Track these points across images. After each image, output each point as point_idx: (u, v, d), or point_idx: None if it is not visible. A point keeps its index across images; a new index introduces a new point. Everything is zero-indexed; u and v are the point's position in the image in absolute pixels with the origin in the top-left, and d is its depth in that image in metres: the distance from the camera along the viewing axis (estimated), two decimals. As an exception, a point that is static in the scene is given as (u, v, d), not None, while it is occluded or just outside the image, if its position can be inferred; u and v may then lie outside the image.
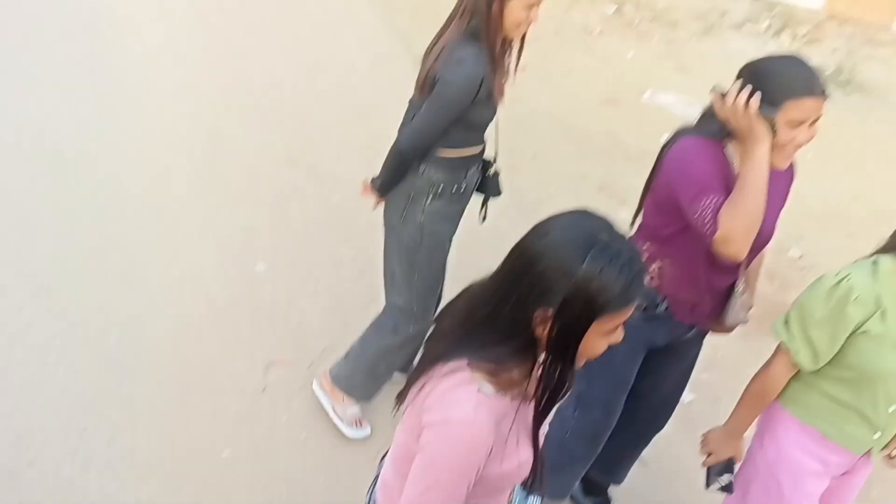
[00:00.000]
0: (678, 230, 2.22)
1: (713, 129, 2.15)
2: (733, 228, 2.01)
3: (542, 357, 1.49)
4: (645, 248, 2.32)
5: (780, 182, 2.24)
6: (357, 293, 3.82)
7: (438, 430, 1.46)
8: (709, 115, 2.18)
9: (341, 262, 4.01)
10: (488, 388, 1.46)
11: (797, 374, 2.16)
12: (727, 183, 2.10)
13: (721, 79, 2.18)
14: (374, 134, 4.93)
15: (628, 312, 1.44)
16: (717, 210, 2.03)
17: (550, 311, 1.41)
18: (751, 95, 2.03)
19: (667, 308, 2.35)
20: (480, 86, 2.44)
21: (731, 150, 2.16)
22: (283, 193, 4.41)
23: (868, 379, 2.04)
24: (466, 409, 1.44)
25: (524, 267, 1.44)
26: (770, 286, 4.27)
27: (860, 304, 1.97)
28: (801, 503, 2.22)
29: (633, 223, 2.41)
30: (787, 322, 2.11)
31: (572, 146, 5.24)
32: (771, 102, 2.02)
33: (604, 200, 4.66)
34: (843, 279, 2.00)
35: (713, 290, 2.32)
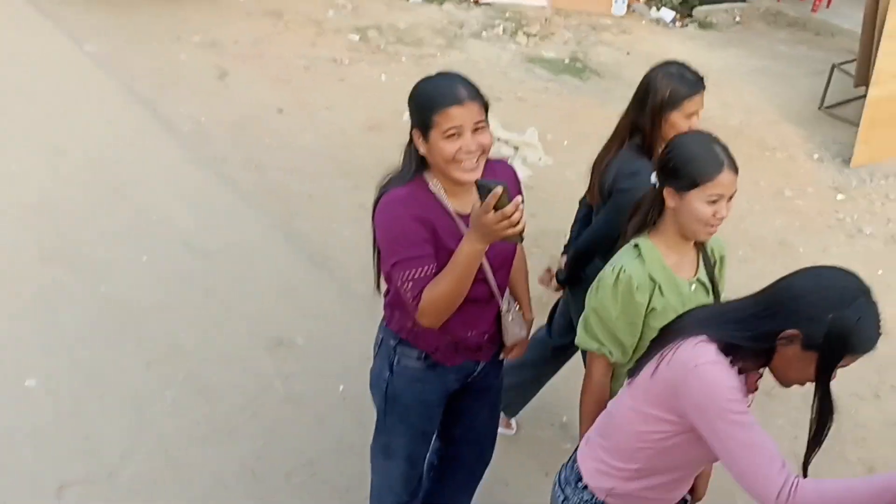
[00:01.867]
0: None
1: (414, 165, 2.06)
2: (433, 308, 1.97)
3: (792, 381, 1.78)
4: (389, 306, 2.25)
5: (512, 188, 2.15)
6: (148, 384, 3.45)
7: (696, 375, 1.70)
8: (407, 153, 2.08)
9: (125, 353, 3.61)
10: (722, 354, 1.73)
11: (614, 373, 2.22)
12: (435, 227, 2.01)
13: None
14: (134, 209, 4.57)
15: (856, 359, 1.70)
16: (417, 283, 1.97)
17: (798, 334, 1.68)
18: (413, 126, 1.99)
19: (429, 358, 2.25)
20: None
21: (435, 182, 2.06)
22: (43, 295, 3.92)
23: None
24: (710, 355, 1.72)
25: (790, 293, 1.71)
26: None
27: (642, 290, 2.09)
28: None
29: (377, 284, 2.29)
30: (587, 330, 2.17)
31: (346, 179, 5.11)
32: (424, 124, 1.97)
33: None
34: (619, 273, 2.08)
35: (469, 329, 2.23)
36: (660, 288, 2.11)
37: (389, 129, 5.58)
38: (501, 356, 2.42)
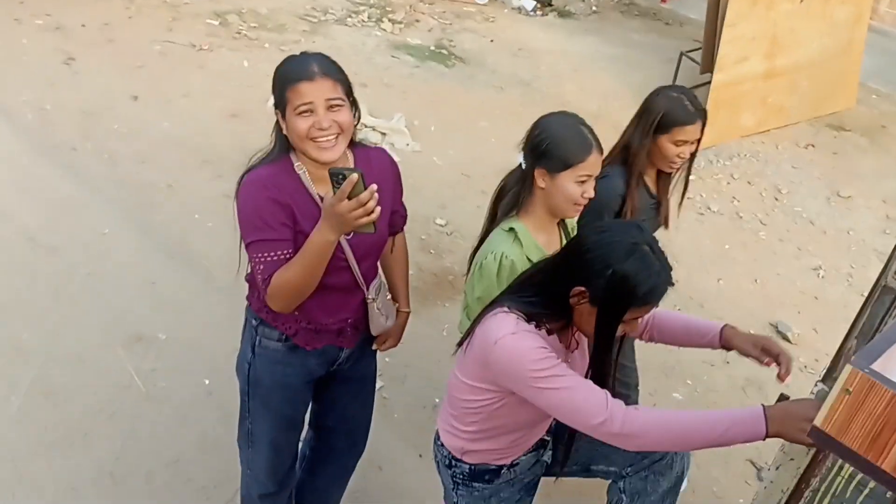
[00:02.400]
0: None
1: (279, 146, 2.00)
2: (281, 293, 1.94)
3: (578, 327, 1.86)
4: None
5: (386, 184, 2.11)
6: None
7: (499, 349, 1.77)
8: (277, 128, 2.02)
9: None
10: (524, 321, 1.80)
11: None
12: (294, 210, 1.96)
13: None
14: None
15: (647, 311, 1.77)
16: (268, 266, 1.93)
17: (585, 291, 1.74)
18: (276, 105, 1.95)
19: (289, 340, 2.18)
20: (623, 202, 2.67)
21: (300, 165, 2.01)
22: None
23: None
24: (509, 327, 1.78)
25: (578, 251, 1.77)
26: (427, 256, 4.36)
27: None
28: None
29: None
30: (469, 316, 2.19)
31: (207, 168, 4.90)
32: (280, 102, 1.93)
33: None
34: (501, 259, 2.12)
35: (329, 315, 2.17)
36: None
37: (252, 116, 5.39)
38: (375, 347, 2.37)
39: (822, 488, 1.73)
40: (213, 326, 3.63)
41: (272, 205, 1.94)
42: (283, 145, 1.99)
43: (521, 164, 2.19)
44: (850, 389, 0.99)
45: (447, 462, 2.10)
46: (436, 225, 4.67)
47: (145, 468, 2.98)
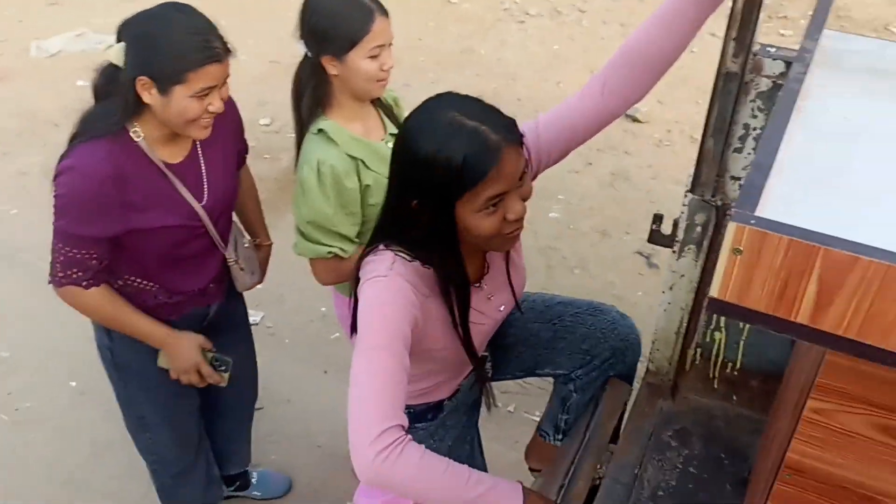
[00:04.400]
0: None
1: (110, 119, 1.71)
2: (76, 304, 1.84)
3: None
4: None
5: (231, 127, 1.95)
6: None
7: (361, 292, 1.42)
8: (103, 86, 1.73)
9: None
10: (405, 255, 1.43)
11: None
12: (129, 180, 1.73)
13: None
14: None
15: (494, 185, 1.31)
16: (69, 262, 1.77)
17: (415, 202, 1.37)
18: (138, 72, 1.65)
19: (149, 314, 1.95)
20: None
21: (142, 133, 1.74)
22: None
23: None
24: (382, 268, 1.41)
25: (395, 162, 1.41)
26: (263, 163, 3.98)
27: (347, 174, 1.88)
28: None
29: None
30: (308, 239, 1.93)
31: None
32: (168, 80, 1.65)
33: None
34: (318, 167, 1.84)
35: (190, 283, 1.97)
36: (363, 162, 1.91)
37: (22, 72, 4.68)
38: (240, 289, 2.16)
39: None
40: (59, 324, 3.22)
41: (98, 196, 1.71)
42: (129, 116, 1.72)
43: (306, 54, 1.86)
44: (741, 248, 0.80)
45: None
46: (261, 126, 4.26)
47: (39, 496, 2.68)
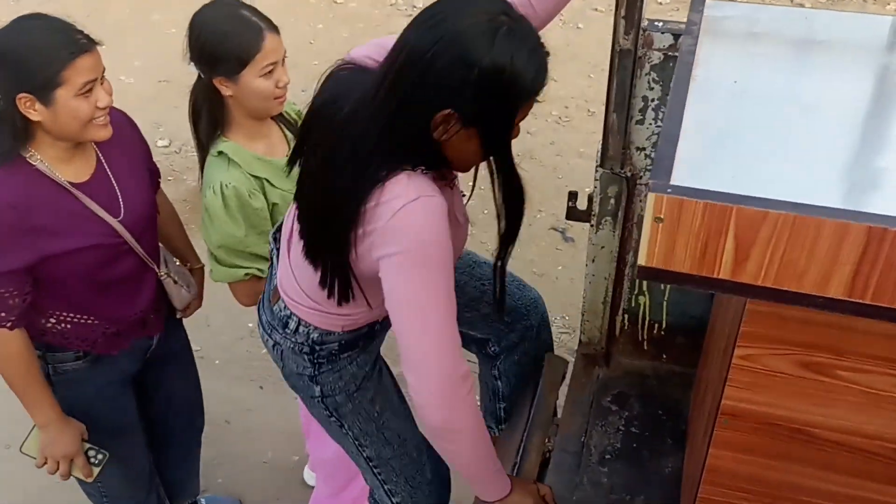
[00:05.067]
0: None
1: (12, 142, 1.65)
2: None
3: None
4: None
5: (133, 146, 1.90)
6: None
7: (404, 213, 1.24)
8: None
9: None
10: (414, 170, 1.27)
11: None
12: (35, 209, 1.66)
13: None
14: None
15: (531, 104, 1.24)
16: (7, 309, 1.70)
17: (453, 112, 1.20)
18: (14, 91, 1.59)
19: (89, 355, 1.89)
20: None
21: (39, 157, 1.68)
22: None
23: None
24: (411, 192, 1.24)
25: (418, 67, 1.19)
26: (169, 186, 3.85)
27: (252, 194, 1.84)
28: None
29: None
30: (221, 263, 1.89)
31: None
32: (46, 87, 1.59)
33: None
34: (222, 190, 1.80)
35: (128, 309, 1.91)
36: (268, 181, 1.87)
37: None
38: (179, 315, 2.10)
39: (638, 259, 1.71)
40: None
41: (7, 229, 1.64)
42: (21, 141, 1.65)
43: (199, 76, 1.83)
44: (661, 217, 0.85)
45: (307, 348, 1.61)
46: (160, 148, 4.14)
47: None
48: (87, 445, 1.91)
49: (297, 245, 1.46)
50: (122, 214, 1.78)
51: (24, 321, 1.73)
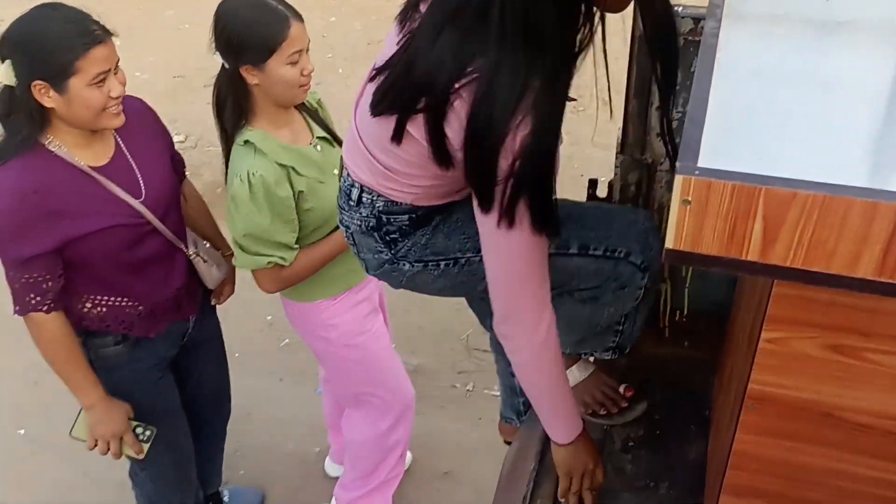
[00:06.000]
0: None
1: (19, 136, 1.70)
2: (39, 333, 1.83)
3: None
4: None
5: (153, 133, 1.96)
6: None
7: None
8: (5, 109, 1.71)
9: None
10: None
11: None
12: (54, 194, 1.71)
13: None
14: None
15: None
16: (28, 287, 1.75)
17: None
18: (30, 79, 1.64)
19: (128, 338, 1.95)
20: None
21: (57, 142, 1.74)
22: None
23: (329, 217, 1.98)
24: None
25: None
26: (186, 181, 3.91)
27: (278, 183, 1.86)
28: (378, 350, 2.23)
29: None
30: (246, 251, 1.92)
31: None
32: (60, 75, 1.65)
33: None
34: (249, 179, 1.82)
35: (161, 290, 1.96)
36: (294, 169, 1.90)
37: None
38: (213, 301, 2.18)
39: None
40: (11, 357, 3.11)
41: (22, 211, 1.70)
42: (38, 127, 1.71)
43: (223, 66, 1.84)
44: (689, 199, 0.85)
45: (373, 221, 1.40)
46: (176, 144, 4.17)
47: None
48: (135, 423, 1.96)
49: (367, 99, 1.30)
50: (143, 196, 1.83)
51: (60, 304, 1.79)
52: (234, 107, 1.87)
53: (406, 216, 1.37)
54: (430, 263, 1.43)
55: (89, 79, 1.66)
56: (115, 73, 1.73)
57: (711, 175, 0.83)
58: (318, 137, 2.00)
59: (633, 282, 1.48)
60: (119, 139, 1.84)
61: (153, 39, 4.90)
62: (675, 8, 1.49)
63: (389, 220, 1.37)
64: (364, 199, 1.38)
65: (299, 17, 1.82)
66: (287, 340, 3.19)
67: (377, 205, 1.36)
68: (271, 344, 3.21)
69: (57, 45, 1.65)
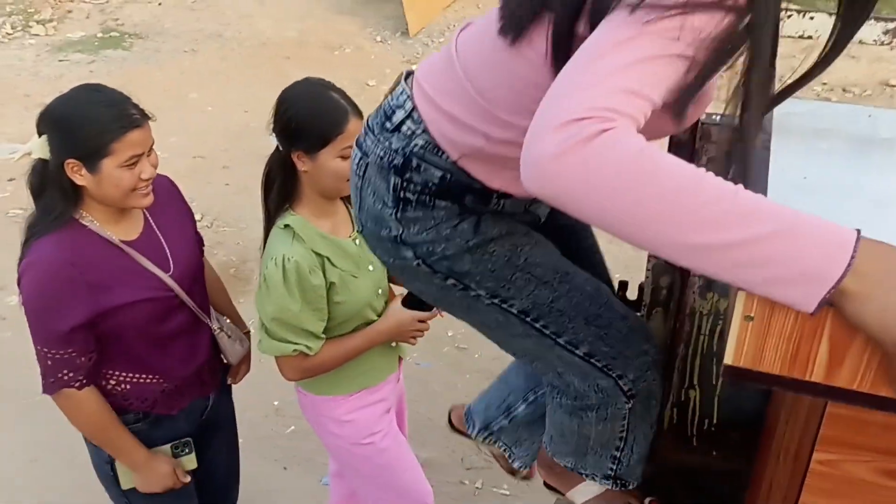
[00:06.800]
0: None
1: (54, 212, 1.72)
2: (74, 411, 1.82)
3: None
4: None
5: (180, 207, 2.00)
6: None
7: None
8: (39, 182, 1.74)
9: None
10: None
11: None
12: (91, 268, 1.74)
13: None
14: None
15: None
16: (60, 364, 1.73)
17: None
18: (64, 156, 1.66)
19: (149, 415, 1.92)
20: None
21: (86, 216, 1.76)
22: None
23: (359, 312, 1.97)
24: None
25: None
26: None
27: (312, 271, 1.85)
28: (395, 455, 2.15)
29: None
30: (272, 336, 1.89)
31: None
32: (94, 156, 1.67)
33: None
34: (283, 263, 1.81)
35: (188, 365, 1.95)
36: (329, 260, 1.88)
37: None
38: (229, 380, 2.15)
39: (690, 352, 1.67)
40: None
41: (61, 282, 1.71)
42: (71, 203, 1.74)
43: (277, 148, 1.87)
44: (752, 315, 0.82)
45: (398, 158, 1.19)
46: (192, 222, 4.20)
47: None
48: (173, 451, 1.96)
49: (478, 25, 1.15)
50: (171, 269, 1.84)
51: (92, 380, 1.78)
52: (280, 189, 1.88)
53: (439, 172, 1.16)
54: (437, 270, 1.21)
55: (122, 160, 1.68)
56: (149, 156, 1.75)
57: (777, 292, 0.81)
58: (358, 231, 1.98)
59: (615, 402, 1.37)
60: (147, 214, 1.86)
61: (176, 120, 4.98)
62: (713, 116, 1.50)
63: (419, 166, 1.16)
64: (404, 128, 1.17)
65: (359, 114, 1.83)
66: (293, 427, 3.11)
67: (416, 141, 1.16)
68: (277, 430, 3.13)
69: (93, 128, 1.67)
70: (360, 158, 1.27)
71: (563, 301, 1.25)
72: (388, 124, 1.20)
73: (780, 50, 0.98)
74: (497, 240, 1.22)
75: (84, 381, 1.76)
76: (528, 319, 1.26)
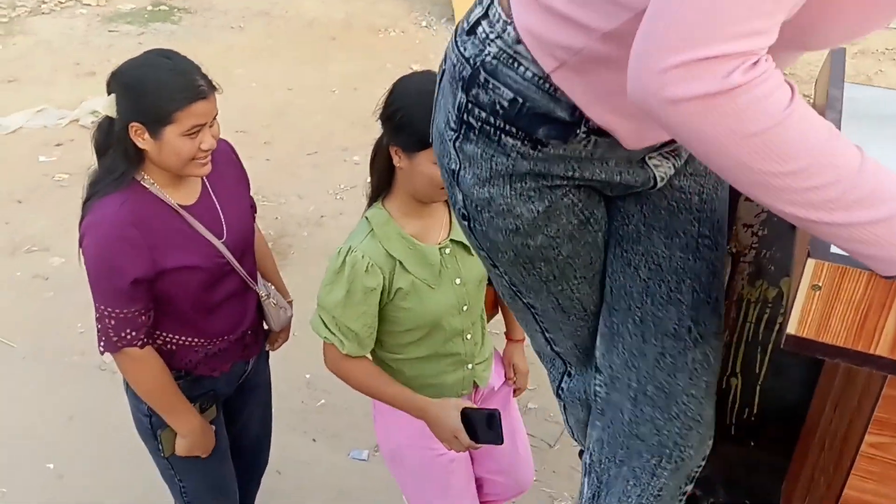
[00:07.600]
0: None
1: (116, 173, 1.74)
2: (137, 372, 1.85)
3: None
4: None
5: (237, 175, 2.00)
6: None
7: None
8: (103, 140, 1.76)
9: None
10: None
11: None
12: (152, 226, 1.77)
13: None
14: None
15: None
16: (122, 323, 1.75)
17: None
18: (129, 119, 1.68)
19: (190, 374, 1.95)
20: None
21: (151, 180, 1.79)
22: None
23: (430, 324, 1.85)
24: None
25: None
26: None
27: (373, 272, 1.75)
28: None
29: None
30: (318, 315, 1.85)
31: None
32: (158, 122, 1.69)
33: None
34: (346, 256, 1.76)
35: (234, 329, 1.98)
36: (401, 264, 1.77)
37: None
38: (268, 347, 2.18)
39: (734, 340, 1.66)
40: (34, 404, 3.08)
41: (123, 240, 1.73)
42: (133, 165, 1.76)
43: (382, 135, 1.79)
44: (820, 284, 0.82)
45: (475, 64, 0.97)
46: (232, 195, 4.24)
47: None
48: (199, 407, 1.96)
49: None
50: (224, 236, 1.86)
51: (149, 341, 1.81)
52: (377, 177, 1.82)
53: (510, 94, 0.92)
54: (475, 224, 1.07)
55: (184, 129, 1.69)
56: (211, 127, 1.76)
57: (847, 261, 0.80)
58: (452, 240, 1.85)
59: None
60: (206, 179, 1.88)
61: (222, 96, 5.05)
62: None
63: (486, 83, 0.94)
64: (479, 30, 0.94)
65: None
66: (323, 401, 3.14)
67: (489, 48, 0.93)
68: (308, 403, 3.16)
69: (160, 95, 1.68)
70: (441, 66, 1.08)
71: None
72: (462, 27, 0.99)
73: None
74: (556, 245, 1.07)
75: (145, 341, 1.79)
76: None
